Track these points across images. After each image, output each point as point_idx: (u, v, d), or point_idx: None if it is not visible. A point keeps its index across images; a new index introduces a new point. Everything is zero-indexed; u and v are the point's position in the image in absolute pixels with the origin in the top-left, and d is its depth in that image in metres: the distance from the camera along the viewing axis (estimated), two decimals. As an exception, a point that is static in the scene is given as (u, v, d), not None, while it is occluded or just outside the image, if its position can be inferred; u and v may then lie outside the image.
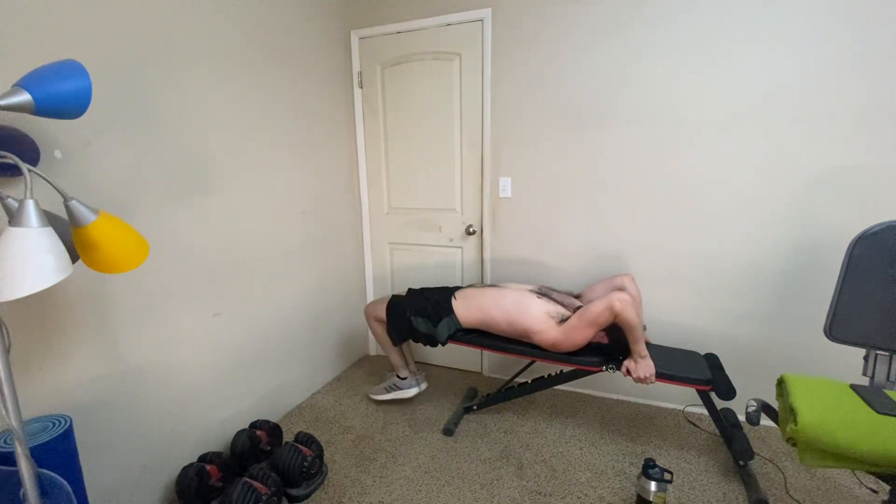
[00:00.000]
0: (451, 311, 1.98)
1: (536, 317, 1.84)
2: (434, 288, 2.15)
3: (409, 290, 2.19)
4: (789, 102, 1.87)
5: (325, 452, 1.96)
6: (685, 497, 1.68)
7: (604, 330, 1.86)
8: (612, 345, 1.86)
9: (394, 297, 2.14)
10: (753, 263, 2.03)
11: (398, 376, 2.26)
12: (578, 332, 1.77)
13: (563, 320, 1.83)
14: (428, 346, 2.09)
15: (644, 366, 1.74)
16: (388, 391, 2.29)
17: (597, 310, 1.71)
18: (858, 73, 1.77)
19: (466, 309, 1.97)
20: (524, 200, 2.39)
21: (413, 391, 2.26)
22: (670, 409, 2.29)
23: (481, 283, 2.25)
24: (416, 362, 2.87)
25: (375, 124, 2.65)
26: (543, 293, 1.97)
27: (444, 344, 2.02)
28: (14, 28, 1.19)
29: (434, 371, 2.76)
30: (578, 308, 1.89)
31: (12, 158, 0.87)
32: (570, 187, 2.28)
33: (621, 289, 1.95)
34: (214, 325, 1.84)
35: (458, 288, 2.11)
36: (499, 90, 2.33)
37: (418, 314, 2.03)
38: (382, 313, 2.12)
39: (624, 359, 1.80)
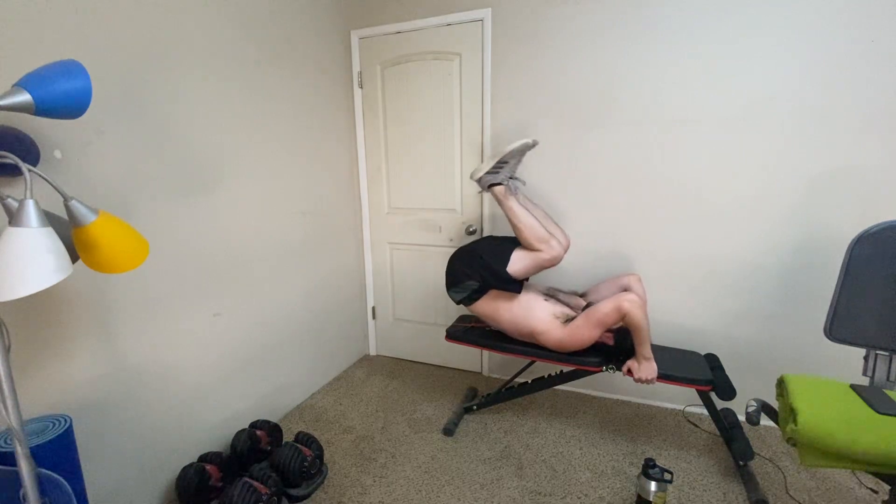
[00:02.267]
0: (474, 301, 1.94)
1: (542, 318, 1.84)
2: (497, 277, 1.90)
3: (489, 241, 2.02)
4: (791, 102, 1.87)
5: (325, 452, 1.96)
6: (685, 497, 1.68)
7: (610, 330, 1.86)
8: (616, 346, 1.86)
9: (503, 259, 1.90)
10: (754, 263, 2.03)
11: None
12: (584, 333, 1.77)
13: (568, 320, 1.83)
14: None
15: (648, 368, 1.74)
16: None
17: (605, 310, 1.71)
18: (859, 72, 1.77)
19: (482, 305, 1.94)
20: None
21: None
22: (670, 409, 2.29)
23: None
24: (416, 362, 2.88)
25: (375, 124, 2.65)
26: (550, 294, 1.97)
27: (452, 297, 1.98)
28: (14, 28, 1.19)
29: (434, 371, 2.76)
30: (585, 308, 1.89)
31: (12, 158, 0.87)
32: (571, 187, 2.28)
33: (627, 289, 1.94)
34: (214, 325, 1.84)
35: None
36: (499, 90, 2.33)
37: (478, 281, 1.90)
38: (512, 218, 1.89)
39: (625, 359, 1.80)
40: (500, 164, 1.92)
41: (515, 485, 1.76)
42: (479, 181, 1.96)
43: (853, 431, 1.14)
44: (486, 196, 2.46)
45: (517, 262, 1.85)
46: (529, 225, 1.85)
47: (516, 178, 1.97)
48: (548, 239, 1.83)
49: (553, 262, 1.85)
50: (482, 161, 2.00)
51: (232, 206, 1.88)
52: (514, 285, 1.87)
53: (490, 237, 2.08)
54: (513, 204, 1.88)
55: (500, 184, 1.91)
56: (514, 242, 1.93)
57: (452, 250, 2.60)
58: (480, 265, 1.90)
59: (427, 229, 2.66)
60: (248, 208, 1.97)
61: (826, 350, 1.93)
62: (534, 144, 1.91)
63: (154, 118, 1.55)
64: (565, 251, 1.88)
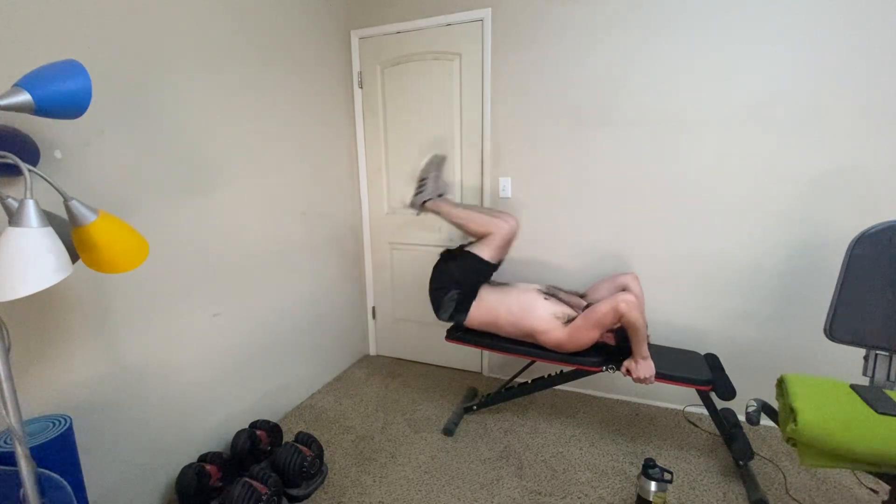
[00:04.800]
0: (467, 310, 1.95)
1: (542, 318, 1.84)
2: (485, 269, 1.97)
3: (467, 253, 2.00)
4: (791, 102, 1.87)
5: (325, 452, 1.96)
6: (685, 497, 1.68)
7: (611, 330, 1.86)
8: (617, 346, 1.86)
9: (466, 252, 1.97)
10: (754, 263, 2.03)
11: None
12: (584, 333, 1.77)
13: (569, 321, 1.83)
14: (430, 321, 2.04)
15: (645, 367, 1.74)
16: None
17: (602, 310, 1.71)
18: (859, 72, 1.77)
19: (478, 309, 1.95)
20: (524, 200, 2.39)
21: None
22: (670, 409, 2.29)
23: (495, 281, 2.22)
24: (416, 362, 2.88)
25: (375, 124, 2.65)
26: (551, 293, 1.97)
27: (440, 319, 2.02)
28: (14, 28, 1.19)
29: (434, 371, 2.76)
30: (585, 307, 1.89)
31: (12, 158, 0.86)
32: (570, 187, 2.28)
33: (625, 288, 1.95)
34: (214, 325, 1.84)
35: (482, 283, 2.01)
36: (499, 90, 2.33)
37: (457, 290, 1.93)
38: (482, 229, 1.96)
39: (624, 359, 1.80)
40: (422, 184, 2.06)
41: (515, 485, 1.76)
42: (412, 206, 2.08)
43: (853, 431, 1.14)
44: (486, 196, 2.46)
45: (484, 251, 1.93)
46: (471, 217, 1.95)
47: (443, 187, 2.09)
48: (492, 219, 1.93)
49: (511, 233, 1.95)
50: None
51: (232, 206, 1.88)
52: (485, 264, 1.94)
53: (445, 253, 2.06)
54: (448, 208, 2.00)
55: (429, 199, 2.04)
56: (464, 250, 1.99)
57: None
58: (452, 272, 1.96)
59: (427, 229, 2.66)
60: (248, 208, 1.97)
61: (826, 350, 1.93)
62: (443, 157, 2.04)
63: (154, 118, 1.55)
64: (516, 222, 1.98)
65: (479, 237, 1.96)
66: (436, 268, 2.02)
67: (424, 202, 2.04)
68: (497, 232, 1.92)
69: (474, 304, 1.95)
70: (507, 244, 1.98)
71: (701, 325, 2.18)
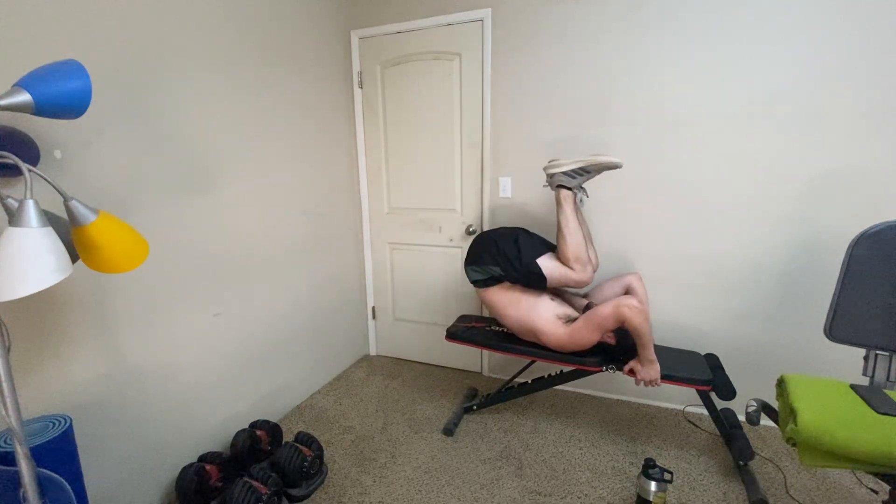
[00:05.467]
0: (489, 286, 1.92)
1: (544, 317, 1.84)
2: (535, 278, 1.87)
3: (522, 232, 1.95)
4: (791, 102, 1.87)
5: (325, 452, 1.96)
6: (685, 497, 1.68)
7: (611, 331, 1.86)
8: (617, 346, 1.86)
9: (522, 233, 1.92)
10: (754, 263, 2.03)
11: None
12: (584, 335, 1.77)
13: (570, 321, 1.83)
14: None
15: (651, 369, 1.74)
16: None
17: (604, 314, 1.71)
18: (859, 72, 1.77)
19: (494, 294, 1.92)
20: (524, 200, 2.39)
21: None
22: (670, 409, 2.29)
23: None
24: (416, 362, 2.88)
25: (375, 124, 2.65)
26: (557, 293, 1.97)
27: (469, 277, 1.96)
28: (14, 28, 1.19)
29: (434, 371, 2.76)
30: (587, 308, 1.89)
31: (12, 158, 0.86)
32: (570, 187, 2.28)
33: (629, 288, 1.95)
34: (214, 324, 1.84)
35: (515, 281, 1.95)
36: (499, 90, 2.33)
37: (501, 268, 1.87)
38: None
39: (626, 360, 1.80)
40: (582, 172, 1.83)
41: (515, 485, 1.76)
42: (551, 176, 1.87)
43: (853, 431, 1.14)
44: (486, 196, 2.46)
45: (546, 268, 1.82)
46: (577, 242, 1.81)
47: (584, 190, 1.93)
48: (586, 262, 1.81)
49: (579, 286, 1.84)
50: (557, 159, 1.91)
51: (232, 205, 1.88)
52: (542, 282, 1.84)
53: (524, 231, 1.98)
54: (571, 213, 1.83)
55: (570, 189, 1.85)
56: (547, 246, 1.91)
57: (453, 250, 2.62)
58: (513, 254, 1.85)
59: (427, 229, 2.66)
60: (248, 208, 1.97)
61: (826, 350, 1.93)
62: (620, 166, 1.82)
63: (154, 118, 1.55)
64: (590, 279, 1.84)
65: (560, 255, 1.85)
66: (513, 233, 1.90)
67: (565, 186, 1.85)
68: (575, 274, 1.80)
69: (496, 288, 1.91)
70: (565, 286, 1.89)
71: (701, 325, 2.18)
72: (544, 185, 1.99)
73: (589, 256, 1.85)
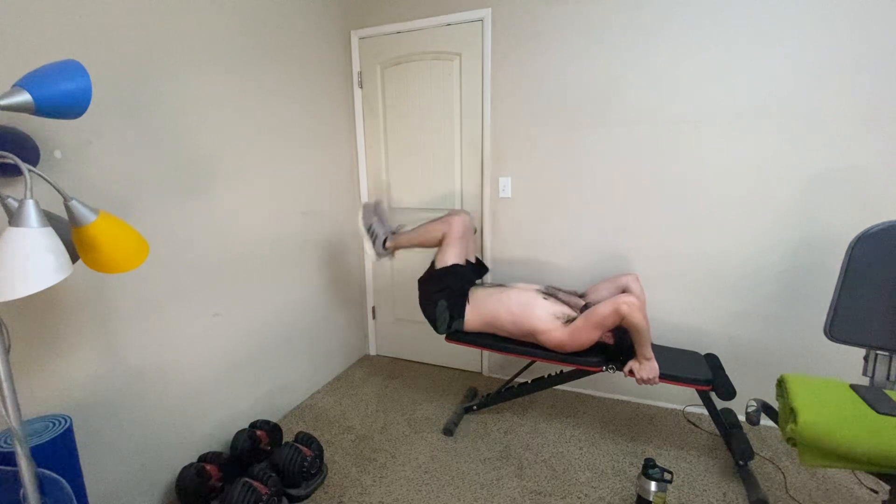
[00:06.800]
0: (462, 314, 1.96)
1: (542, 317, 1.84)
2: (459, 271, 1.99)
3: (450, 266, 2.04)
4: (791, 102, 1.87)
5: (325, 452, 1.96)
6: (685, 497, 1.68)
7: (610, 330, 1.86)
8: (616, 345, 1.86)
9: (433, 270, 2.01)
10: (754, 263, 2.03)
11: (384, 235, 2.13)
12: (584, 334, 1.77)
13: (568, 321, 1.83)
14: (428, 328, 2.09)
15: (649, 368, 1.74)
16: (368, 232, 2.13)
17: (603, 312, 1.71)
18: (858, 72, 1.77)
19: (474, 311, 1.95)
20: (524, 200, 2.39)
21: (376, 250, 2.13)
22: (670, 409, 2.29)
23: (490, 283, 2.24)
24: (416, 362, 2.88)
25: (375, 124, 2.65)
26: (550, 293, 1.97)
27: (439, 333, 2.03)
28: (14, 28, 1.19)
29: (434, 371, 2.76)
30: (584, 308, 1.89)
31: (12, 158, 0.86)
32: (571, 187, 2.28)
33: (626, 289, 1.95)
34: (214, 324, 1.84)
35: (471, 285, 2.04)
36: (499, 90, 2.33)
37: (444, 297, 1.96)
38: (449, 238, 1.99)
39: (626, 360, 1.80)
40: (372, 233, 2.11)
41: (515, 485, 1.76)
42: (379, 256, 2.12)
43: (853, 431, 1.13)
44: (487, 196, 2.46)
45: (447, 256, 1.96)
46: (425, 230, 2.02)
47: (394, 228, 2.15)
48: (441, 223, 1.98)
49: (463, 226, 1.97)
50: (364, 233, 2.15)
51: (232, 206, 1.88)
52: (464, 266, 1.99)
53: (419, 280, 2.09)
54: (406, 237, 2.08)
55: (386, 240, 2.10)
56: (433, 269, 2.02)
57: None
58: (429, 290, 1.99)
59: (427, 229, 2.66)
60: (248, 208, 1.97)
61: (826, 350, 1.93)
62: (375, 202, 2.12)
63: (154, 118, 1.55)
64: (465, 214, 2.01)
65: (439, 244, 1.99)
66: (419, 295, 2.05)
67: (385, 245, 2.10)
68: (449, 230, 1.96)
69: (468, 307, 1.95)
70: (465, 239, 2.00)
71: (701, 325, 2.18)
72: (391, 260, 2.27)
73: (442, 217, 2.02)
